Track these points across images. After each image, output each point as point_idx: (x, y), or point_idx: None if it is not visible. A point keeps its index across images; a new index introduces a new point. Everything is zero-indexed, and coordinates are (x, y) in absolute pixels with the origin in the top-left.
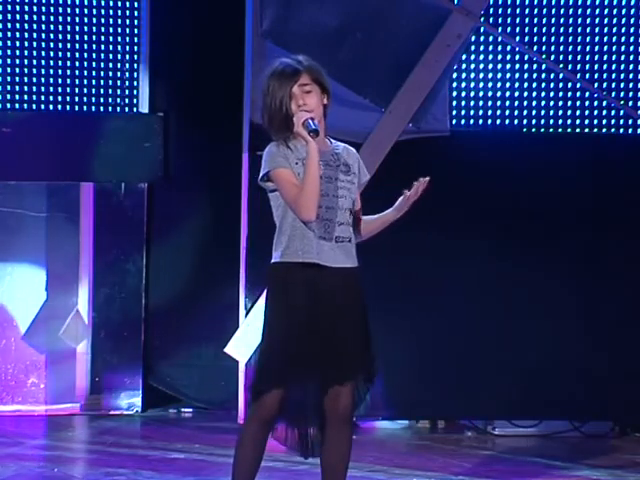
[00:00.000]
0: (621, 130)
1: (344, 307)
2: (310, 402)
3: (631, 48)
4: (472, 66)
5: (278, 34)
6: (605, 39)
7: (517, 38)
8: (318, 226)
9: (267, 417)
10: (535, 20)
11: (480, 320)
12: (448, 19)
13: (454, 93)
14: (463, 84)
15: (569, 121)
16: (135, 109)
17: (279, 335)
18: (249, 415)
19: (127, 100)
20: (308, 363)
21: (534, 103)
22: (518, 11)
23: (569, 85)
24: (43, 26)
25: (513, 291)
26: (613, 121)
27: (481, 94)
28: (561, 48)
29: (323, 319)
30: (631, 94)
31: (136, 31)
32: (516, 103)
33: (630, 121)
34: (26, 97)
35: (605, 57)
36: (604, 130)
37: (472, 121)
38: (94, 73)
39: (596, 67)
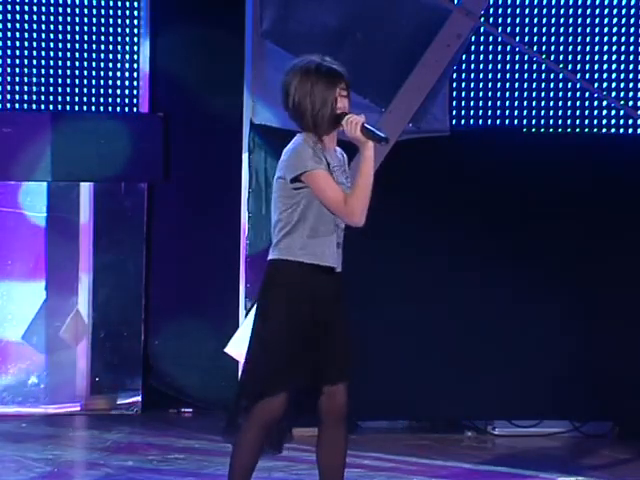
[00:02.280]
0: (621, 130)
1: (339, 309)
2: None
3: (631, 48)
4: (472, 66)
5: (278, 34)
6: (605, 39)
7: (517, 38)
8: (336, 232)
9: (270, 421)
10: (535, 20)
11: (480, 320)
12: (448, 19)
13: (454, 93)
14: (463, 84)
15: (569, 121)
16: (135, 109)
17: (286, 336)
18: (250, 420)
19: (127, 100)
20: (307, 364)
21: (534, 103)
22: (518, 11)
23: (569, 85)
24: (43, 26)
25: (513, 291)
26: (613, 121)
27: (481, 94)
28: (561, 48)
29: (325, 319)
30: (631, 94)
31: (136, 31)
32: (516, 103)
33: (630, 121)
34: (26, 97)
35: (605, 57)
36: (604, 130)
37: (472, 121)
38: (94, 73)
39: (596, 67)
